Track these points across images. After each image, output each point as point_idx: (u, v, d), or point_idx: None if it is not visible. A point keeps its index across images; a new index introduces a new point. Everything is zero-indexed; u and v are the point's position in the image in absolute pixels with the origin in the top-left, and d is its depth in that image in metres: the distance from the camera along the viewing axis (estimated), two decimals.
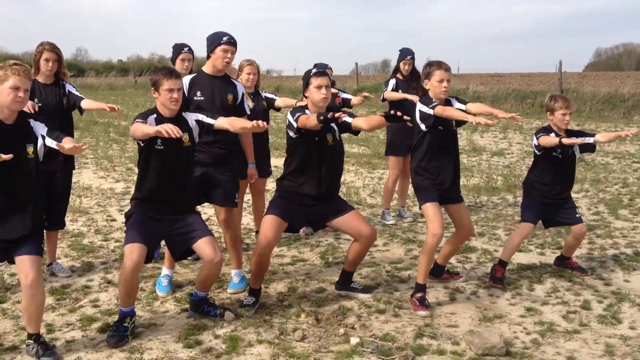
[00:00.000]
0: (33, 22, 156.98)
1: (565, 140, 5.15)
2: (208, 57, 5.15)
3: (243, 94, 5.29)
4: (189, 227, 4.50)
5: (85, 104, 5.50)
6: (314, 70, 4.81)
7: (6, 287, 5.38)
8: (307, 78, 4.82)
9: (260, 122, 4.19)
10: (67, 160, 5.52)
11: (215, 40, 5.11)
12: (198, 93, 5.05)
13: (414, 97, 6.76)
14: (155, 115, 4.48)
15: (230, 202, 5.23)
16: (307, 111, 4.81)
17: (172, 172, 4.45)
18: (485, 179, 10.07)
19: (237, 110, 5.13)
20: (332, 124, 4.75)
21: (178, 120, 4.46)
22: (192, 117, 4.59)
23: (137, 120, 4.35)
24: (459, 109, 4.93)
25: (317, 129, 4.59)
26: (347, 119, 4.58)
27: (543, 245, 6.58)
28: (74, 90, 5.55)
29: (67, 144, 3.87)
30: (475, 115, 4.75)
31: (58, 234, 5.91)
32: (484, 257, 6.18)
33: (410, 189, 8.18)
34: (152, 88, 4.49)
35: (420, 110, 4.96)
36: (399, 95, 7.26)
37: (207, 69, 5.15)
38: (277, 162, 8.67)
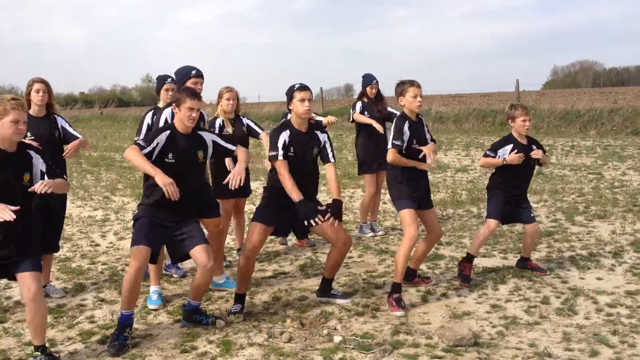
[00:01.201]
0: None
1: (509, 159, 5.75)
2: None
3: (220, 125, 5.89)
4: (188, 233, 4.93)
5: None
6: (297, 85, 5.29)
7: (4, 309, 5.66)
8: (290, 92, 5.29)
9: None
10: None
11: (184, 75, 5.74)
12: None
13: (379, 128, 7.35)
14: (169, 131, 4.91)
15: None
16: (282, 136, 5.22)
17: (182, 183, 4.78)
18: (450, 194, 10.59)
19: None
20: (320, 139, 5.42)
21: (193, 137, 4.95)
22: (209, 137, 5.07)
23: (137, 143, 4.79)
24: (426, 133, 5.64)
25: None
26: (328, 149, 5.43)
27: (506, 250, 7.08)
28: (68, 127, 5.89)
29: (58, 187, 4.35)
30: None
31: (52, 256, 6.22)
32: (451, 264, 6.65)
33: (382, 206, 8.69)
34: (174, 104, 4.94)
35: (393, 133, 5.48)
36: (367, 120, 7.74)
37: None
38: (255, 184, 9.06)
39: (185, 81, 5.73)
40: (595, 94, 35.59)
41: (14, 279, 4.44)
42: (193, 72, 5.78)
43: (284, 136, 5.22)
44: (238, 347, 4.65)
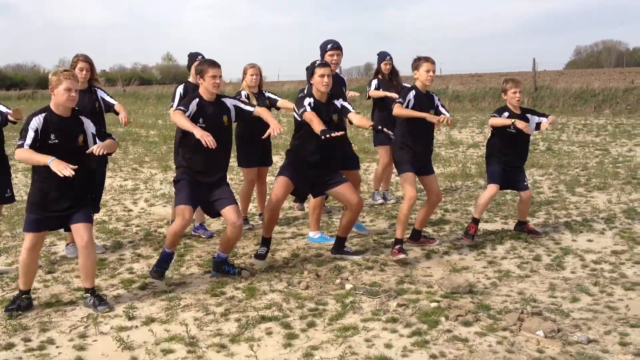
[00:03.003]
0: (16, 35, 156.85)
1: (519, 124, 6.25)
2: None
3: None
4: (220, 194, 5.61)
5: (117, 107, 6.50)
6: (318, 61, 5.91)
7: (52, 262, 6.35)
8: (311, 68, 5.91)
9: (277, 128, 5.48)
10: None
11: (323, 49, 6.78)
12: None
13: (393, 95, 7.83)
14: (197, 99, 5.57)
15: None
16: (306, 100, 5.83)
17: (211, 148, 5.35)
18: (460, 167, 11.15)
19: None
20: (338, 105, 5.98)
21: (218, 103, 5.61)
22: (230, 102, 5.73)
23: (179, 108, 5.45)
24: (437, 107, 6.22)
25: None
26: (349, 107, 5.92)
27: (507, 217, 7.66)
28: (106, 97, 6.53)
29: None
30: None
31: (93, 216, 6.88)
32: (455, 228, 7.24)
33: (394, 177, 9.28)
34: (198, 75, 5.61)
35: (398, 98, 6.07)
36: (381, 93, 8.31)
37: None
38: (275, 158, 9.66)
39: (323, 55, 6.70)
40: (615, 74, 35.68)
41: (69, 229, 5.14)
42: (329, 45, 6.73)
43: (308, 100, 5.87)
44: (261, 293, 5.31)
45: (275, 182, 6.01)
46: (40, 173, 4.91)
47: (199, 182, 5.59)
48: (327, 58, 6.68)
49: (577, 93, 23.33)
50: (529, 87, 24.73)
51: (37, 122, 4.82)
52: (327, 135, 5.42)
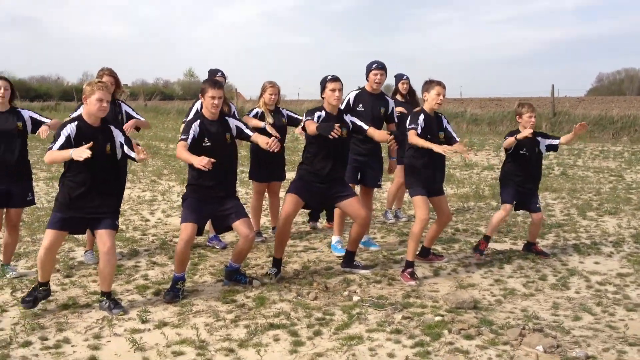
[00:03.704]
0: (38, 48, 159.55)
1: (519, 136, 6.44)
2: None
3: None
4: (230, 209, 5.73)
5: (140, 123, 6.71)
6: (329, 76, 6.11)
7: (70, 267, 6.55)
8: (323, 82, 6.12)
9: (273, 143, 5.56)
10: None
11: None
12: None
13: (401, 109, 7.96)
14: (199, 121, 5.74)
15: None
16: (316, 113, 6.08)
17: (218, 164, 5.58)
18: (474, 189, 11.26)
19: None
20: (348, 121, 6.18)
21: (221, 122, 5.78)
22: (233, 123, 5.88)
23: (181, 139, 5.66)
24: (445, 129, 6.29)
25: (312, 134, 5.87)
26: (364, 126, 6.13)
27: (516, 237, 7.77)
28: (130, 111, 6.75)
29: (139, 155, 5.18)
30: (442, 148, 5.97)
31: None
32: (465, 247, 7.36)
33: (407, 196, 9.41)
34: (201, 95, 5.82)
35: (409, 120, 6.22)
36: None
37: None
38: (289, 174, 9.85)
39: (368, 73, 7.08)
40: (636, 101, 35.63)
41: (92, 234, 5.36)
42: (374, 65, 7.07)
43: (319, 113, 6.10)
44: (271, 302, 5.46)
45: (285, 200, 6.17)
46: (70, 174, 5.17)
47: (208, 197, 5.74)
48: (371, 77, 7.04)
49: (596, 119, 23.34)
50: (547, 113, 24.81)
51: (70, 129, 5.07)
52: (331, 133, 5.62)
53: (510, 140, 6.60)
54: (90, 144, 4.92)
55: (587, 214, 9.13)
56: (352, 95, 7.14)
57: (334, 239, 7.20)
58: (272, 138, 5.67)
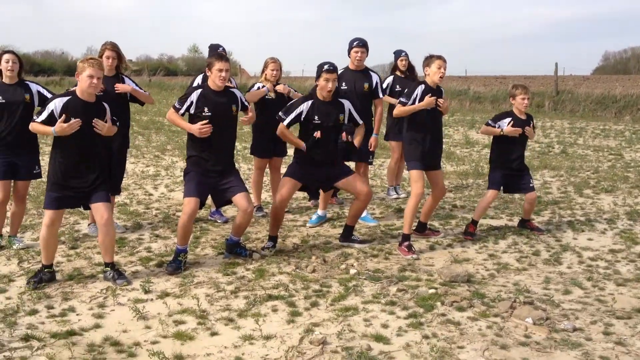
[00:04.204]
0: (42, 22, 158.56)
1: (506, 130, 6.54)
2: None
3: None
4: (230, 183, 5.86)
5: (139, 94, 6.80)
6: (325, 66, 6.14)
7: (75, 239, 6.71)
8: (319, 71, 6.16)
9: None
10: (123, 138, 6.82)
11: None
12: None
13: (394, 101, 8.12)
14: (201, 90, 5.85)
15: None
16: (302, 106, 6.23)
17: (218, 137, 5.75)
18: (473, 166, 11.37)
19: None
20: (345, 106, 6.33)
21: (227, 93, 5.90)
22: (239, 93, 6.01)
23: (173, 106, 5.80)
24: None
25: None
26: (358, 120, 6.36)
27: (512, 214, 7.90)
28: (133, 85, 6.85)
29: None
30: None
31: (114, 198, 7.24)
32: (462, 223, 7.48)
33: (406, 172, 9.53)
34: (207, 68, 5.91)
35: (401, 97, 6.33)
36: (392, 100, 8.56)
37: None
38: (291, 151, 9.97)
39: (350, 51, 7.23)
40: None
41: (88, 208, 5.50)
42: (355, 42, 7.17)
43: (304, 105, 6.23)
44: (270, 274, 5.62)
45: (281, 182, 6.29)
46: (59, 151, 5.29)
47: (208, 170, 5.86)
48: (353, 55, 7.14)
49: (599, 98, 23.35)
50: (550, 91, 24.83)
51: (55, 104, 5.21)
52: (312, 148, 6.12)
53: (494, 130, 6.70)
54: (64, 120, 5.06)
55: (583, 191, 9.25)
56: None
57: (320, 212, 7.44)
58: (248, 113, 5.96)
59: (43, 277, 5.37)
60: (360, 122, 6.39)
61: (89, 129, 5.20)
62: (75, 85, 6.50)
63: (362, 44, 7.17)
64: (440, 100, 6.22)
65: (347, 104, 6.32)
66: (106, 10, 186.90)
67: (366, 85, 7.18)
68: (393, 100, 8.60)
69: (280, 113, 6.28)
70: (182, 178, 10.02)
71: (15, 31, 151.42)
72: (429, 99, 6.15)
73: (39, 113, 5.23)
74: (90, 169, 5.33)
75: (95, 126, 5.25)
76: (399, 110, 6.28)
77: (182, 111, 5.81)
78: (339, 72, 7.02)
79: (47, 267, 5.43)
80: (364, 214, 7.19)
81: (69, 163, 5.27)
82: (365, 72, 7.26)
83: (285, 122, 6.20)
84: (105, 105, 5.45)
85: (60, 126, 5.07)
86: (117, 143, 6.76)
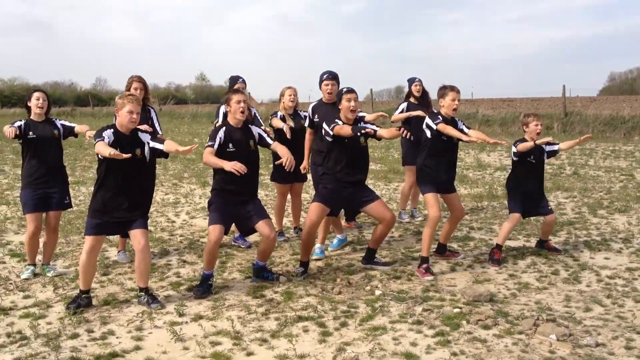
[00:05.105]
0: (51, 53, 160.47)
1: (538, 141, 6.73)
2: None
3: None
4: (252, 211, 6.09)
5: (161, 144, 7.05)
6: (345, 89, 6.40)
7: (106, 265, 6.92)
8: (340, 95, 6.42)
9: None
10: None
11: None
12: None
13: (419, 112, 8.32)
14: (224, 128, 6.10)
15: None
16: (338, 122, 6.36)
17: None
18: (487, 189, 11.56)
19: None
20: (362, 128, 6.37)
21: (245, 129, 6.12)
22: (256, 130, 6.23)
23: (208, 145, 6.02)
24: (460, 130, 6.50)
25: (348, 136, 6.17)
26: (375, 128, 6.22)
27: (529, 235, 8.08)
28: (155, 120, 7.11)
29: (169, 146, 5.55)
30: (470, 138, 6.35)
31: None
32: (480, 244, 7.67)
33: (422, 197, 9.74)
34: (226, 104, 6.20)
35: (427, 123, 6.53)
36: (403, 115, 8.78)
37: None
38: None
39: (320, 84, 7.37)
40: None
41: (127, 236, 5.73)
42: (325, 75, 7.33)
43: (339, 121, 6.41)
44: (298, 296, 5.81)
45: (310, 208, 6.50)
46: (102, 181, 5.54)
47: (232, 201, 6.07)
48: (323, 88, 7.35)
49: (607, 120, 23.57)
50: (558, 113, 25.05)
51: (108, 134, 5.45)
52: (362, 132, 6.11)
53: (529, 144, 6.85)
54: (117, 151, 5.25)
55: (597, 212, 9.42)
56: (310, 108, 7.52)
57: (317, 247, 7.21)
58: (287, 157, 5.96)
59: (81, 303, 5.56)
60: (377, 128, 6.52)
61: (130, 159, 5.45)
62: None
63: (332, 77, 7.35)
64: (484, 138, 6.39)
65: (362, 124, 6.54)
66: (113, 40, 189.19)
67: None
68: (403, 115, 8.81)
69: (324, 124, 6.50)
70: (202, 205, 10.34)
71: (24, 62, 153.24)
72: (415, 112, 6.41)
73: (98, 136, 5.42)
74: (132, 199, 5.58)
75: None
76: (445, 128, 6.36)
77: (215, 146, 6.02)
78: (313, 105, 7.42)
79: (85, 293, 5.63)
80: (335, 241, 7.43)
81: (110, 192, 5.51)
82: (336, 105, 6.98)
83: (340, 123, 6.40)
84: (139, 133, 5.69)
85: (116, 152, 5.24)
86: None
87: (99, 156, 5.41)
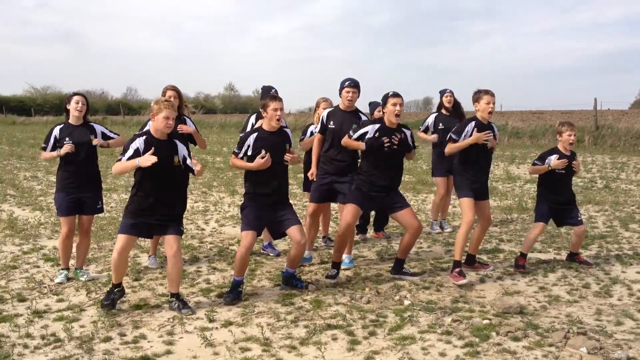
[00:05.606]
0: (82, 62, 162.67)
1: (554, 164, 6.73)
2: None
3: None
4: (284, 216, 6.15)
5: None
6: (390, 93, 6.48)
7: (138, 271, 7.02)
8: (385, 98, 6.49)
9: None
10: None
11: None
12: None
13: (433, 138, 8.49)
14: (255, 134, 6.18)
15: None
16: (373, 127, 6.50)
17: (273, 173, 6.07)
18: (517, 201, 11.49)
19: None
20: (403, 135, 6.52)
21: (281, 133, 6.21)
22: (290, 133, 6.28)
23: (233, 152, 6.21)
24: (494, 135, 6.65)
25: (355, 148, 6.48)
26: (410, 142, 6.49)
27: (560, 248, 8.01)
28: (192, 126, 7.21)
29: (196, 167, 5.73)
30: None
31: None
32: (509, 256, 7.63)
33: (452, 208, 9.71)
34: (262, 109, 6.25)
35: (452, 134, 6.60)
36: (427, 137, 8.96)
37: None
38: None
39: (341, 91, 7.16)
40: None
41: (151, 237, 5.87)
42: (347, 82, 7.14)
43: (375, 126, 6.52)
44: (327, 305, 5.84)
45: (345, 209, 6.54)
46: (141, 184, 5.64)
47: (264, 205, 6.14)
48: (344, 95, 7.12)
49: (639, 133, 23.25)
50: (590, 126, 24.79)
51: (139, 143, 5.54)
52: (384, 142, 6.27)
53: (542, 167, 6.88)
54: (152, 152, 5.41)
55: (629, 225, 9.31)
56: (325, 113, 7.27)
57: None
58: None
59: (114, 297, 5.71)
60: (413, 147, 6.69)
61: (165, 165, 5.53)
62: (144, 125, 6.92)
63: (354, 84, 7.11)
64: (486, 136, 6.45)
65: (407, 132, 6.60)
66: (143, 49, 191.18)
67: (355, 126, 7.03)
68: (427, 137, 8.90)
69: (350, 132, 6.63)
70: (231, 213, 10.43)
71: (57, 71, 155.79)
72: (477, 135, 6.40)
73: (123, 152, 5.57)
74: (167, 204, 5.67)
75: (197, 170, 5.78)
76: (450, 147, 6.53)
77: (240, 155, 6.16)
78: (329, 110, 7.25)
79: (117, 286, 5.74)
80: (346, 259, 7.17)
81: (148, 196, 5.60)
82: (355, 113, 7.18)
83: (354, 136, 6.56)
84: (177, 142, 5.78)
85: (147, 157, 5.38)
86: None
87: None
